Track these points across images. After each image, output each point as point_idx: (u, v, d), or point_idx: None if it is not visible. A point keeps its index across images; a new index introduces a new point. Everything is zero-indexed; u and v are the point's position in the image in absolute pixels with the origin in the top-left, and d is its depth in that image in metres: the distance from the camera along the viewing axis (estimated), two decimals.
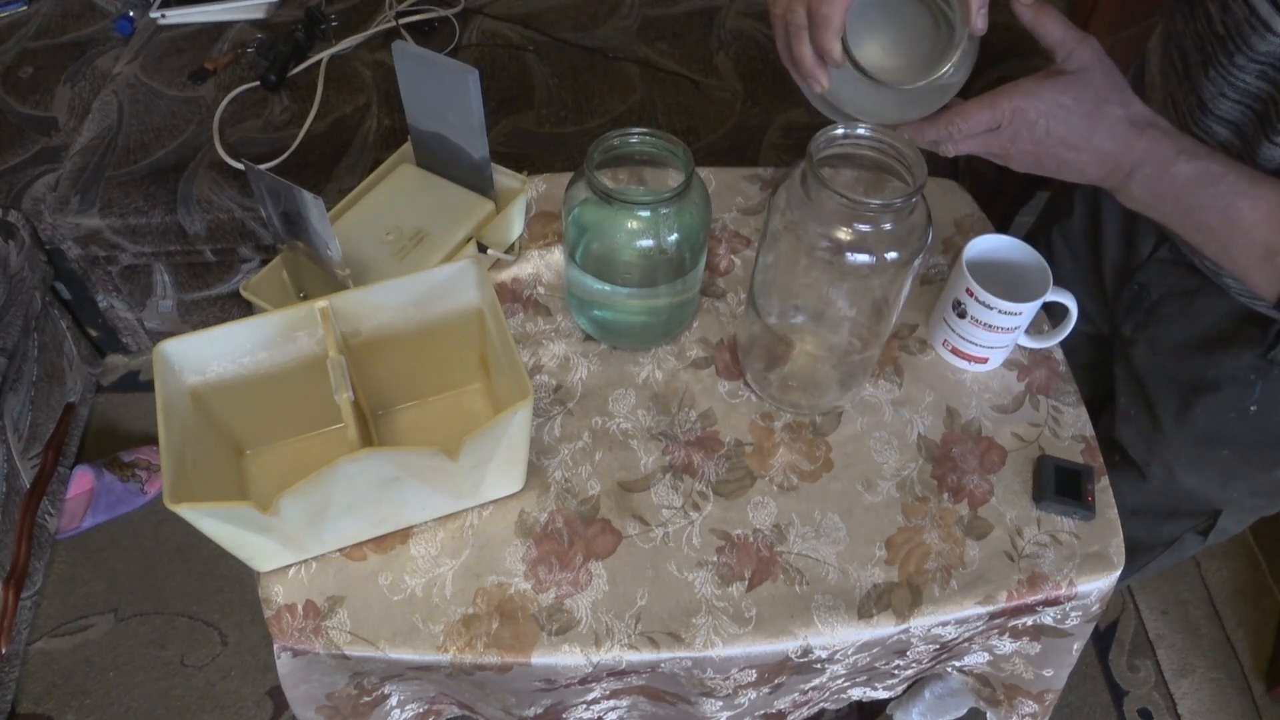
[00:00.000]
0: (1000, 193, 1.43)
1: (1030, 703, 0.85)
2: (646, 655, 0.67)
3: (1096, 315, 0.92)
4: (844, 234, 0.65)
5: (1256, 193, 0.60)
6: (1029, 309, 0.77)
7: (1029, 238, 0.93)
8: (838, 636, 0.68)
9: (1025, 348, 0.85)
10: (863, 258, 0.65)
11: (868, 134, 0.65)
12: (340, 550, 0.71)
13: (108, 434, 1.62)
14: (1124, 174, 0.61)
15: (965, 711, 1.17)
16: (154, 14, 1.61)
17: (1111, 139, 0.60)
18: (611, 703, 0.79)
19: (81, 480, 1.49)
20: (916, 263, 0.66)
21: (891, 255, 0.65)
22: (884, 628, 0.68)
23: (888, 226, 0.64)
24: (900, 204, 0.62)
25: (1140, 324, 0.84)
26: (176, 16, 1.62)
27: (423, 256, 0.83)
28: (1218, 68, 0.66)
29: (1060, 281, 0.78)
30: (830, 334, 0.79)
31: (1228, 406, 0.78)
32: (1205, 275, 0.76)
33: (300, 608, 0.68)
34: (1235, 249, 0.62)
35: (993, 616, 0.71)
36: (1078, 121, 0.60)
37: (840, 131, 0.65)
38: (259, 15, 1.62)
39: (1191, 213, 0.61)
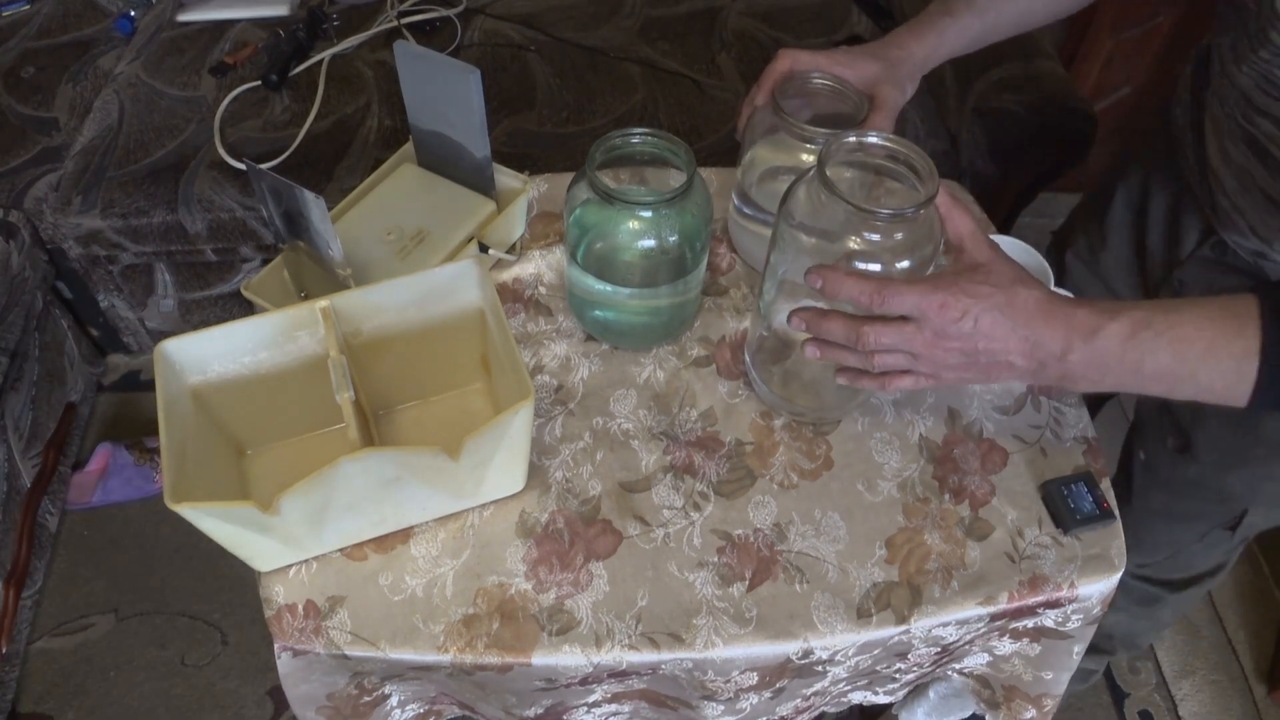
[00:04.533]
0: (1002, 194, 1.43)
1: (1029, 708, 0.85)
2: (647, 656, 0.67)
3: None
4: (854, 242, 0.64)
5: (1193, 314, 0.58)
6: None
7: (1070, 226, 0.92)
8: (838, 636, 0.68)
9: None
10: (873, 266, 0.65)
11: (879, 141, 0.65)
12: (341, 550, 0.70)
13: (108, 433, 1.62)
14: (1057, 357, 0.60)
15: (971, 712, 1.17)
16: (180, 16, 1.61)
17: (1032, 323, 0.59)
18: (613, 707, 0.79)
19: (101, 456, 1.52)
20: (930, 270, 0.66)
21: (902, 264, 0.65)
22: (884, 628, 0.68)
23: (899, 236, 0.64)
24: (911, 213, 0.62)
25: None
26: (198, 13, 1.62)
27: (424, 256, 0.83)
28: (1248, 63, 0.67)
29: (1103, 265, 0.77)
30: None
31: None
32: (1245, 274, 0.77)
33: (301, 608, 0.68)
34: (1203, 375, 0.58)
35: (994, 618, 0.71)
36: (1000, 308, 0.59)
37: (852, 139, 0.65)
38: (282, 11, 1.62)
39: (1141, 366, 0.59)
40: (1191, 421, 0.87)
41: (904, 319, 0.61)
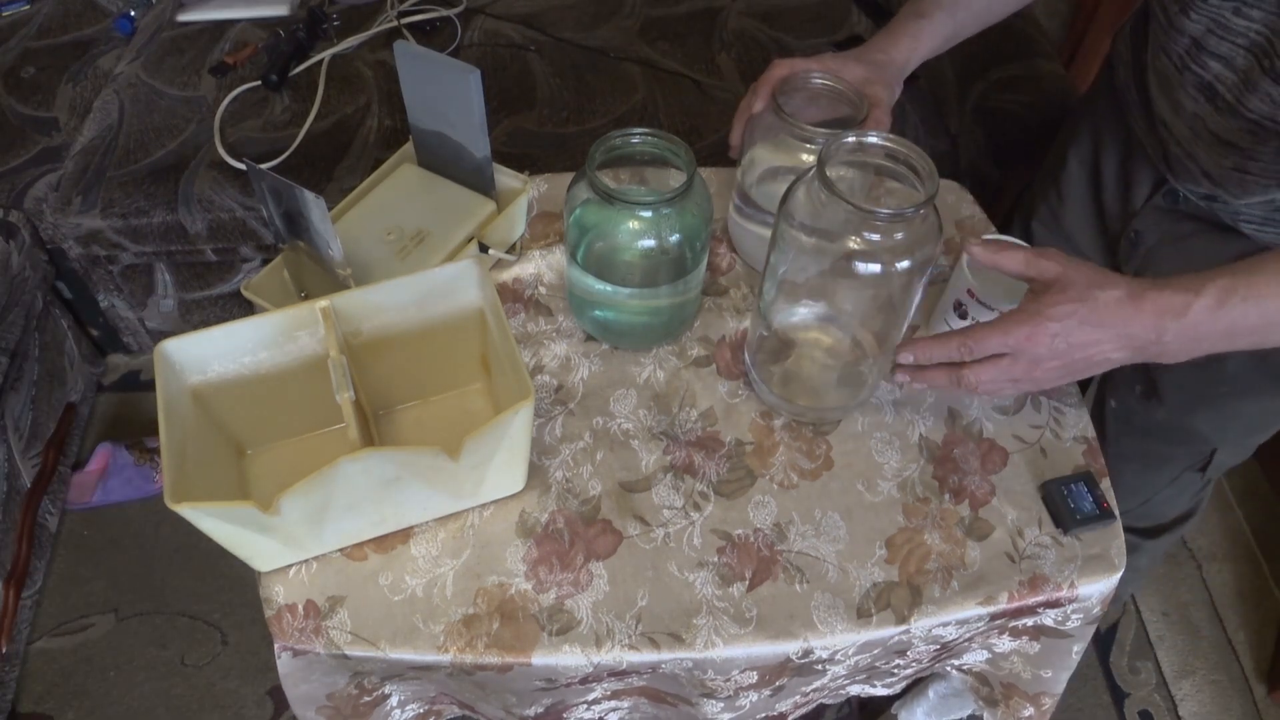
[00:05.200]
0: (1001, 193, 1.43)
1: (1027, 706, 0.85)
2: (647, 656, 0.67)
3: (1100, 260, 0.95)
4: (854, 242, 0.64)
5: (1266, 272, 0.61)
6: None
7: (1031, 197, 0.94)
8: (838, 635, 0.68)
9: None
10: (873, 266, 0.65)
11: (879, 142, 0.65)
12: (341, 550, 0.70)
13: (108, 433, 1.62)
14: (1153, 341, 0.63)
15: (970, 712, 1.17)
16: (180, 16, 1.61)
17: (1122, 319, 0.63)
18: (613, 704, 0.79)
19: (101, 456, 1.52)
20: (930, 270, 0.66)
21: (902, 264, 0.65)
22: (884, 628, 0.68)
23: (899, 236, 0.64)
24: (911, 213, 0.62)
25: (1140, 268, 0.87)
26: (198, 13, 1.61)
27: (424, 256, 0.83)
28: (1197, 9, 0.70)
29: (1065, 226, 0.79)
30: (838, 340, 0.79)
31: None
32: (1198, 220, 0.80)
33: (301, 607, 0.68)
34: None
35: (993, 618, 0.71)
36: (1086, 320, 0.63)
37: (852, 139, 0.66)
38: (282, 11, 1.62)
39: (1234, 329, 0.63)
40: (1158, 368, 0.89)
41: (999, 355, 0.66)
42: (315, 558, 0.70)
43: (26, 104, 1.51)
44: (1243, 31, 0.67)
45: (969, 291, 0.77)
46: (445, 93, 0.80)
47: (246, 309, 0.77)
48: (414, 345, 0.73)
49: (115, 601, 1.43)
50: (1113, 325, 0.63)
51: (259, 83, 1.48)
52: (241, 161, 1.36)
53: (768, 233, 0.70)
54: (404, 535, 0.72)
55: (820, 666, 0.72)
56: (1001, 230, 0.87)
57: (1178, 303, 0.62)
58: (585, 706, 0.78)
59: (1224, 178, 0.74)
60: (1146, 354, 0.65)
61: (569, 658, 0.66)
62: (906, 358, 0.68)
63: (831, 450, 0.78)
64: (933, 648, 0.75)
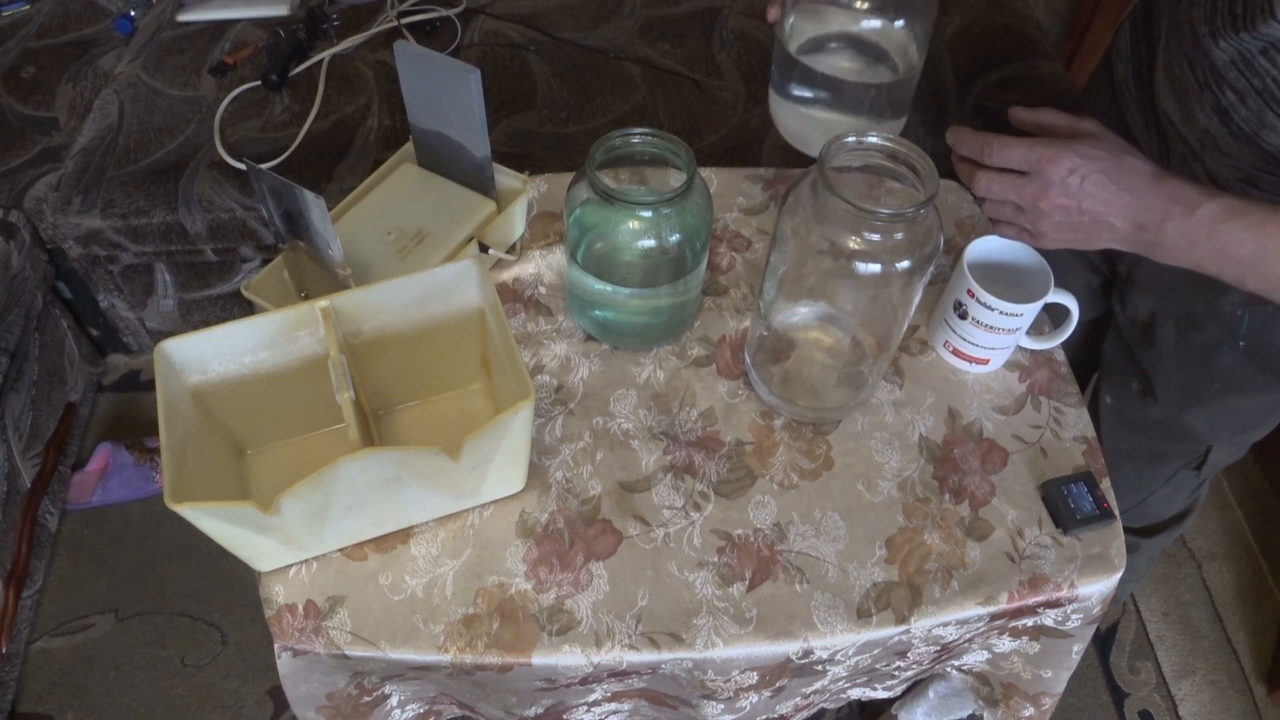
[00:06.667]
0: None
1: (1028, 706, 0.85)
2: (647, 656, 0.67)
3: (1095, 259, 0.95)
4: (854, 242, 0.65)
5: None
6: (1030, 310, 0.77)
7: None
8: (838, 636, 0.68)
9: (1026, 349, 0.85)
10: (873, 266, 0.65)
11: (879, 142, 0.65)
12: (341, 550, 0.70)
13: (108, 433, 1.62)
14: (1155, 224, 0.63)
15: (970, 712, 1.17)
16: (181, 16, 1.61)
17: (1139, 189, 0.63)
18: (613, 705, 0.79)
19: (101, 456, 1.52)
20: (930, 270, 0.66)
21: (903, 264, 0.65)
22: (884, 628, 0.68)
23: (899, 236, 0.64)
24: (911, 214, 0.62)
25: (1132, 266, 0.88)
26: (198, 13, 1.61)
27: (424, 256, 0.83)
28: (1228, 39, 0.69)
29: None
30: (838, 340, 0.79)
31: (1218, 341, 0.82)
32: None
33: (301, 607, 0.68)
34: (1274, 274, 0.63)
35: (993, 618, 0.71)
36: (1108, 174, 0.63)
37: (852, 139, 0.66)
38: (282, 11, 1.61)
39: (1225, 250, 0.63)
40: (1152, 364, 0.90)
41: (1019, 173, 0.65)
42: (315, 558, 0.70)
43: (26, 104, 1.51)
44: (1261, 74, 0.67)
45: (969, 291, 0.77)
46: (445, 93, 0.80)
47: (246, 309, 0.77)
48: (414, 345, 0.73)
49: (115, 601, 1.43)
50: (1129, 191, 0.63)
51: (259, 83, 1.48)
52: (241, 161, 1.36)
53: (809, 112, 0.69)
54: (404, 535, 0.72)
55: (820, 667, 0.72)
56: None
57: (1191, 198, 0.62)
58: (585, 708, 0.78)
59: (1228, 186, 0.74)
60: (1142, 238, 0.64)
61: (569, 658, 0.66)
62: (950, 136, 0.68)
63: (831, 450, 0.78)
64: (933, 648, 0.75)
